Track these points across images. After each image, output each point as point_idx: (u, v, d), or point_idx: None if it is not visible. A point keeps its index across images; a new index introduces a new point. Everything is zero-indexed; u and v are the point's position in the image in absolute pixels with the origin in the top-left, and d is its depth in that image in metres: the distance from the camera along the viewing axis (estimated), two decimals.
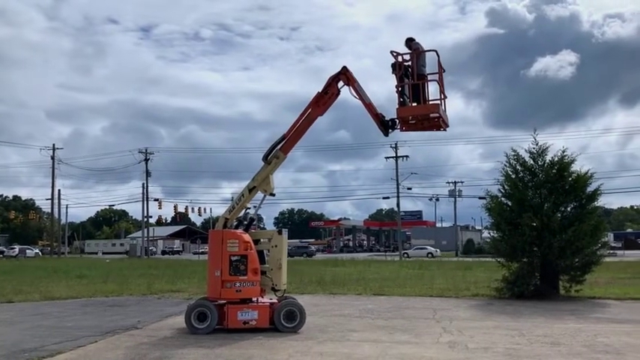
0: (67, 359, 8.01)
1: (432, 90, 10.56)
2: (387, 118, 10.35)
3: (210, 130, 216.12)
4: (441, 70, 10.49)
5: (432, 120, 10.32)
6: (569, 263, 15.02)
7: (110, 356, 8.13)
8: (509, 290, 15.25)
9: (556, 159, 15.81)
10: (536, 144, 16.08)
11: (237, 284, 9.87)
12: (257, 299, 10.25)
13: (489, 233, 19.02)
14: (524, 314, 12.29)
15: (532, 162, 16.01)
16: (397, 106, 10.28)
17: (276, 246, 10.45)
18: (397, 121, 10.30)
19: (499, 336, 9.52)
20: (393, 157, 63.84)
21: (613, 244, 55.69)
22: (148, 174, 72.84)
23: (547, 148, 16.03)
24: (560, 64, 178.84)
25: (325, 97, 10.47)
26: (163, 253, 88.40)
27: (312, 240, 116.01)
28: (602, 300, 14.85)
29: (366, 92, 10.39)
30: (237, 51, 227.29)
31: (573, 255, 14.83)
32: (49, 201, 76.85)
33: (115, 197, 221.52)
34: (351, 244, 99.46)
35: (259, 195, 10.79)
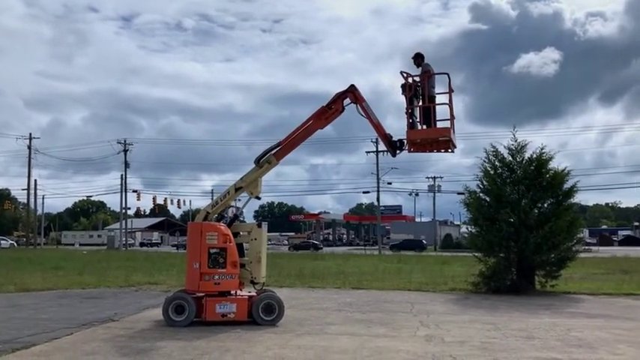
0: (42, 351, 7.92)
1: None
2: (395, 139, 10.30)
3: (191, 122, 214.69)
4: (450, 92, 10.43)
5: (440, 142, 10.32)
6: (545, 259, 15.27)
7: (86, 348, 8.05)
8: (485, 285, 15.45)
9: (534, 156, 16.02)
10: (515, 141, 16.29)
11: (216, 277, 9.84)
12: (236, 292, 10.24)
13: (467, 228, 19.19)
14: (500, 309, 12.46)
15: (511, 158, 16.20)
16: (407, 128, 10.22)
17: (255, 239, 10.43)
18: (405, 141, 10.25)
19: (475, 330, 9.64)
20: (373, 152, 64.00)
21: (588, 241, 56.73)
22: (126, 165, 72.08)
23: (526, 145, 16.27)
24: (543, 61, 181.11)
25: (328, 113, 10.41)
26: (142, 245, 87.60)
27: (292, 233, 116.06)
28: (577, 295, 15.13)
29: (374, 111, 10.32)
30: (219, 42, 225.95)
31: (549, 251, 15.06)
32: (25, 191, 75.66)
33: (93, 188, 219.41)
34: (330, 237, 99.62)
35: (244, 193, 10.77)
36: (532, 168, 15.86)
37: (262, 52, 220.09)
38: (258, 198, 10.86)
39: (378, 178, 64.45)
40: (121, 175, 72.22)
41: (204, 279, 9.84)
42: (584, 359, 7.44)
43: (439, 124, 10.29)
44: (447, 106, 10.47)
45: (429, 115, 10.15)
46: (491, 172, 16.18)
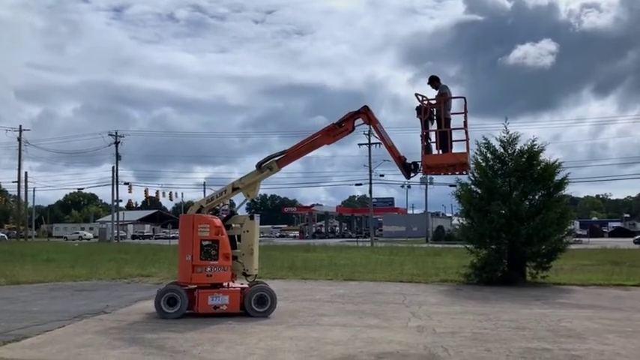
0: (34, 344, 7.90)
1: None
2: (409, 162, 10.18)
3: (184, 113, 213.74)
4: (466, 113, 10.29)
5: (456, 166, 10.23)
6: (536, 250, 15.37)
7: (78, 341, 8.04)
8: (477, 276, 15.54)
9: (526, 148, 16.07)
10: (507, 132, 16.33)
11: (208, 269, 9.85)
12: (228, 284, 10.25)
13: (459, 220, 19.27)
14: (491, 300, 12.54)
15: (502, 150, 16.24)
16: (422, 152, 10.06)
17: (247, 231, 10.45)
18: (419, 164, 10.12)
19: (466, 321, 9.70)
20: (366, 144, 63.98)
21: (578, 232, 56.99)
22: (118, 157, 71.70)
23: (517, 136, 16.30)
24: (538, 53, 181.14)
25: (337, 130, 10.33)
26: (133, 237, 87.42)
27: (285, 225, 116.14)
28: (567, 286, 15.24)
29: (387, 133, 10.22)
30: (212, 33, 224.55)
31: (540, 242, 15.15)
32: (16, 184, 75.10)
33: (84, 180, 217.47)
34: (323, 230, 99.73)
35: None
36: (523, 160, 15.91)
37: (255, 43, 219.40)
38: (253, 200, 10.84)
39: (370, 171, 64.50)
40: (113, 168, 71.98)
41: (197, 271, 9.84)
42: (573, 349, 7.50)
43: (454, 145, 10.16)
44: (463, 130, 10.30)
45: (445, 140, 9.97)
46: (483, 164, 16.23)
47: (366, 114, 10.25)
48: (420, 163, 10.14)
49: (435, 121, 10.16)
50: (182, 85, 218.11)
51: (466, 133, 10.29)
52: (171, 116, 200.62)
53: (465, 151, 10.15)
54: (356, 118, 10.33)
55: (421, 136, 10.13)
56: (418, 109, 10.14)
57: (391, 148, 10.22)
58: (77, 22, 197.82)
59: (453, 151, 10.08)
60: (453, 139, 10.20)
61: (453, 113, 10.35)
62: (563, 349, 7.49)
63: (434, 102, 10.18)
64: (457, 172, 10.74)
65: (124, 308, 11.21)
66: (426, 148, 10.11)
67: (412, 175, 10.35)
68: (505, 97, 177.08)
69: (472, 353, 7.28)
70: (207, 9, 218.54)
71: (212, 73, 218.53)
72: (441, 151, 10.00)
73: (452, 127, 10.18)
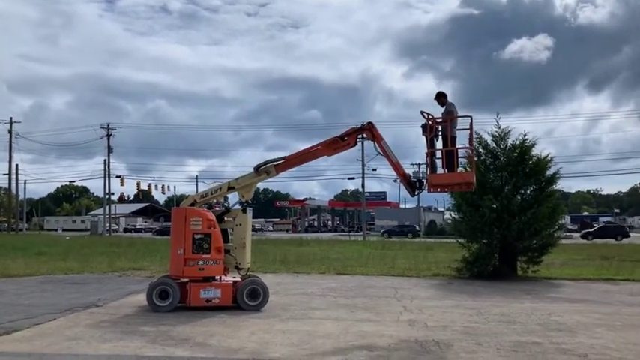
0: (24, 336, 7.87)
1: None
2: (414, 179, 10.15)
3: (177, 106, 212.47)
4: (472, 133, 10.21)
5: (462, 184, 10.20)
6: (527, 244, 15.47)
7: (69, 333, 8.02)
8: (468, 270, 15.62)
9: (517, 142, 16.12)
10: (499, 127, 16.38)
11: (200, 262, 9.86)
12: (220, 277, 10.25)
13: (451, 215, 19.32)
14: (482, 294, 12.61)
15: (494, 145, 16.29)
16: (428, 171, 9.94)
17: (240, 225, 10.45)
18: (424, 182, 10.04)
19: (458, 314, 9.76)
20: (359, 139, 63.79)
21: (569, 227, 57.44)
22: (110, 150, 71.24)
23: (509, 131, 16.35)
24: (533, 48, 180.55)
25: (339, 144, 10.29)
26: (125, 230, 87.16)
27: (277, 219, 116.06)
28: (558, 280, 15.36)
29: (392, 151, 10.15)
30: (205, 25, 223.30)
31: (531, 237, 15.25)
32: (7, 176, 74.53)
33: (76, 173, 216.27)
34: (315, 224, 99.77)
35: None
36: (515, 155, 15.96)
37: (249, 35, 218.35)
38: (248, 202, 10.68)
39: (363, 165, 64.53)
40: (105, 161, 71.58)
41: (189, 264, 9.84)
42: (563, 342, 7.57)
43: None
44: (469, 149, 10.30)
45: (452, 159, 9.81)
46: (475, 159, 16.24)
47: (370, 130, 10.19)
48: (425, 181, 10.07)
49: (441, 138, 9.97)
50: (175, 77, 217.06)
51: (472, 151, 10.29)
52: (164, 109, 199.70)
53: (472, 170, 10.16)
54: (360, 133, 10.31)
55: (427, 154, 9.99)
56: (424, 127, 9.97)
57: (396, 166, 10.16)
58: (69, 13, 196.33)
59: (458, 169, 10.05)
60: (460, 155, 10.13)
61: (459, 129, 10.20)
62: (553, 343, 7.55)
63: (440, 120, 10.04)
64: (462, 190, 10.73)
65: (116, 301, 11.19)
66: (432, 168, 9.93)
67: (417, 192, 10.28)
68: (499, 92, 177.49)
69: (463, 347, 7.33)
70: (200, 1, 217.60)
71: (205, 66, 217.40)
72: (446, 170, 9.82)
73: (457, 145, 10.04)
